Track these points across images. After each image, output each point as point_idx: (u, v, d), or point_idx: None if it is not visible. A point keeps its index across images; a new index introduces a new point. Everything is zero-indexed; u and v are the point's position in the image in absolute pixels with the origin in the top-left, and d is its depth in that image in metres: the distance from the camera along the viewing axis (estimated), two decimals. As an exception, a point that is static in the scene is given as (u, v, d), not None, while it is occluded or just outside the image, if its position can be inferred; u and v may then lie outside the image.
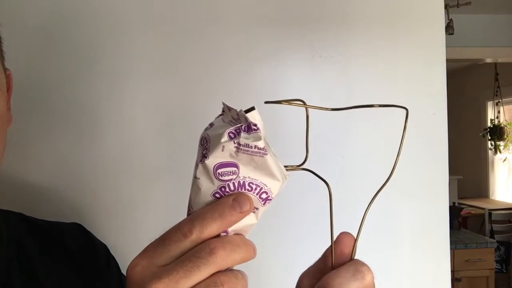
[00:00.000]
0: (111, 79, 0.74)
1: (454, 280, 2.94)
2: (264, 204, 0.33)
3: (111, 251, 0.63)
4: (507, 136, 4.64)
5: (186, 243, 0.30)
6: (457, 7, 2.62)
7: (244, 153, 0.31)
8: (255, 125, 0.32)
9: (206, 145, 0.33)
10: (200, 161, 0.33)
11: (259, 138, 0.32)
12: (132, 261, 0.31)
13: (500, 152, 4.83)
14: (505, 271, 3.95)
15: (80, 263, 0.56)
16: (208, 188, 0.33)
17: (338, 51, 0.79)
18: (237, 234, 0.33)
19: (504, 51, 3.23)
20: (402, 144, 0.35)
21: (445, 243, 0.81)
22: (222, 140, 0.31)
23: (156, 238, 0.32)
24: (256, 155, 0.32)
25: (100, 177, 0.74)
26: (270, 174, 0.33)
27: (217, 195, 0.32)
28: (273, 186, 0.33)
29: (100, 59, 0.74)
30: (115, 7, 0.74)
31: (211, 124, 0.35)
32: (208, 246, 0.30)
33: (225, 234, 0.32)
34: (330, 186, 0.35)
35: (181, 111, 0.76)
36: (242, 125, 0.32)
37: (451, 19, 2.70)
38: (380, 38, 0.79)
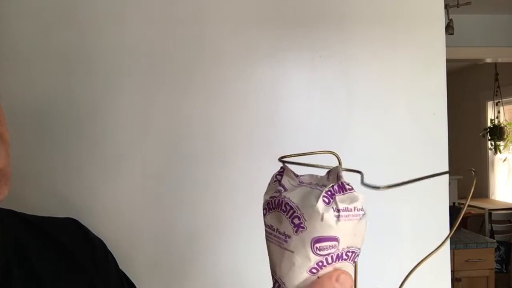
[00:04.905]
0: (112, 79, 0.74)
1: (454, 280, 2.94)
2: (354, 265, 0.31)
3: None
4: (507, 136, 4.64)
5: None
6: (457, 7, 2.62)
7: (345, 220, 0.28)
8: (348, 184, 0.29)
9: (295, 214, 0.29)
10: (295, 232, 0.29)
11: (355, 199, 0.29)
12: None
13: (500, 152, 4.83)
14: (505, 271, 3.95)
15: (77, 258, 0.55)
16: (303, 263, 0.29)
17: (338, 51, 0.79)
18: None
19: (504, 51, 3.22)
20: (467, 202, 0.33)
21: (445, 243, 0.81)
22: (320, 208, 0.28)
23: None
24: (356, 219, 0.29)
25: (100, 177, 0.74)
26: (364, 234, 0.30)
27: (314, 271, 0.29)
28: (362, 244, 0.31)
29: (100, 59, 0.74)
30: (114, 7, 0.74)
31: (283, 186, 0.32)
32: None
33: None
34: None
35: (181, 112, 0.76)
36: (333, 186, 0.29)
37: (451, 19, 2.70)
38: (380, 38, 0.79)
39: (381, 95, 0.80)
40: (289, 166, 0.33)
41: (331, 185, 0.29)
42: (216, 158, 0.76)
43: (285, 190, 0.32)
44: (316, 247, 0.28)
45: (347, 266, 0.30)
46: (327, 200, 0.28)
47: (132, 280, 0.63)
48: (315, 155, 0.33)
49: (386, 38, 0.80)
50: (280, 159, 0.32)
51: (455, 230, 0.31)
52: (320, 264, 0.29)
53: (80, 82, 0.74)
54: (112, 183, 0.74)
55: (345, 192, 0.29)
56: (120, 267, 0.62)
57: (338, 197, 0.29)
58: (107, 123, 0.74)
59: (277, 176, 0.33)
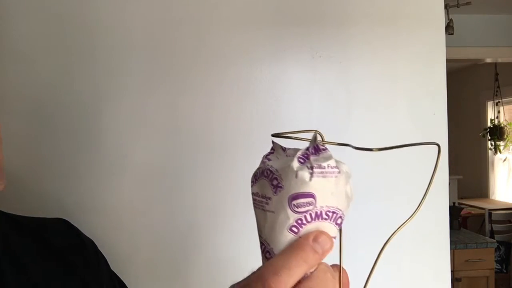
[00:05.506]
0: (110, 78, 0.74)
1: (454, 280, 2.94)
2: (338, 228, 0.32)
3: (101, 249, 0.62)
4: (507, 136, 4.64)
5: None
6: (457, 7, 2.62)
7: (319, 176, 0.30)
8: (322, 145, 0.31)
9: (274, 176, 0.31)
10: (275, 193, 0.31)
11: (329, 157, 0.31)
12: None
13: (500, 152, 4.83)
14: (505, 271, 3.95)
15: (68, 258, 0.55)
16: (283, 222, 0.31)
17: (338, 51, 0.79)
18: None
19: (504, 51, 3.22)
20: (433, 180, 0.34)
21: (445, 243, 0.81)
22: (294, 166, 0.30)
23: (235, 283, 0.31)
24: (331, 176, 0.30)
25: (96, 176, 0.74)
26: (345, 195, 0.32)
27: (294, 229, 0.31)
28: (345, 207, 0.32)
29: (100, 58, 0.74)
30: (115, 8, 0.74)
31: (268, 159, 0.34)
32: None
33: None
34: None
35: (181, 111, 0.76)
36: (309, 148, 0.31)
37: (451, 19, 2.70)
38: (380, 38, 0.79)
39: (381, 95, 0.80)
40: (280, 142, 0.36)
41: (306, 147, 0.32)
42: (216, 157, 0.76)
43: (269, 161, 0.34)
44: (294, 204, 0.30)
45: (329, 227, 0.32)
46: (302, 161, 0.31)
47: (132, 278, 0.63)
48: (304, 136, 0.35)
49: (386, 38, 0.80)
50: (272, 135, 0.35)
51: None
52: (300, 222, 0.31)
53: (81, 81, 0.74)
54: (112, 182, 0.74)
55: (319, 153, 0.31)
56: (120, 265, 0.62)
57: (313, 157, 0.31)
58: (107, 122, 0.74)
59: (268, 157, 0.35)
